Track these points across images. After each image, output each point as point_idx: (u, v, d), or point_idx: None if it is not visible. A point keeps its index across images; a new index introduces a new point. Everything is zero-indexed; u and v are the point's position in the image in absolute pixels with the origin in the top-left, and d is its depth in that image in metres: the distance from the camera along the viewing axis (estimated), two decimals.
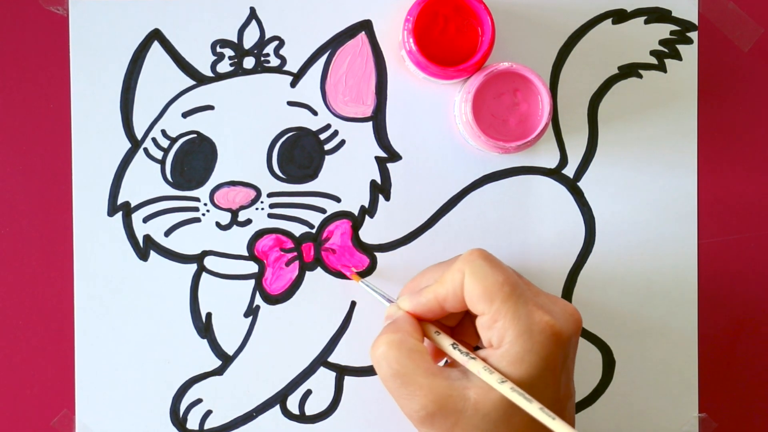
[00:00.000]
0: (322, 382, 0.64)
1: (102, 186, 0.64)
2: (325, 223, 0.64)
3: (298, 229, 0.64)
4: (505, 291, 0.53)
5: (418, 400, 0.52)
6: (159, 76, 0.64)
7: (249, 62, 0.64)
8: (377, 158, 0.64)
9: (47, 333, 0.64)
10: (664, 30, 0.65)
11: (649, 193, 0.65)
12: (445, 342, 0.55)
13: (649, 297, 0.65)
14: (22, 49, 0.64)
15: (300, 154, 0.64)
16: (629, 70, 0.65)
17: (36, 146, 0.64)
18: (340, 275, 0.64)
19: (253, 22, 0.64)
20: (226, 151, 0.64)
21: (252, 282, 0.64)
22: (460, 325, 0.58)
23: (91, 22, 0.64)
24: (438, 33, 0.61)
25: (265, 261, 0.64)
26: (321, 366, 0.64)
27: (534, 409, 0.50)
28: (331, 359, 0.64)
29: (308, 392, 0.64)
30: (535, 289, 0.56)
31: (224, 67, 0.64)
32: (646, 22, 0.65)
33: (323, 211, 0.64)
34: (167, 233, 0.64)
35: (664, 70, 0.65)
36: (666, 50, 0.65)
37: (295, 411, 0.64)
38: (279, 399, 0.64)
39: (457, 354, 0.54)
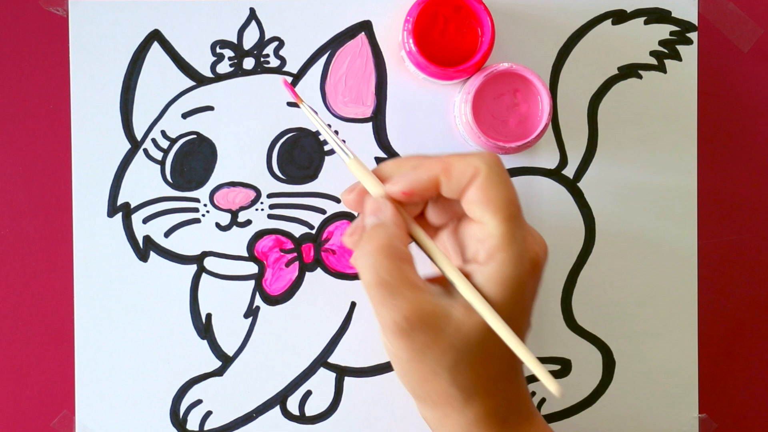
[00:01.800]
0: (322, 382, 0.64)
1: (102, 186, 0.64)
2: (325, 224, 0.64)
3: (298, 230, 0.64)
4: (511, 210, 0.51)
5: (400, 313, 0.50)
6: (159, 77, 0.64)
7: (249, 63, 0.64)
8: (377, 159, 0.64)
9: (47, 333, 0.64)
10: (664, 30, 0.65)
11: (649, 193, 0.65)
12: (439, 257, 0.53)
13: (649, 297, 0.65)
14: (22, 49, 0.64)
15: (300, 154, 0.64)
16: (629, 71, 0.65)
17: (36, 146, 0.64)
18: (340, 275, 0.64)
19: (253, 22, 0.64)
20: (226, 151, 0.64)
21: (252, 283, 0.64)
22: (422, 216, 0.56)
23: (91, 22, 0.64)
24: (438, 33, 0.61)
25: (264, 262, 0.64)
26: (321, 367, 0.64)
27: (544, 375, 0.49)
28: (331, 360, 0.64)
29: (308, 393, 0.64)
30: None
31: (224, 67, 0.64)
32: (646, 22, 0.65)
33: (323, 211, 0.64)
34: (167, 234, 0.64)
35: (664, 71, 0.65)
36: (666, 51, 0.65)
37: (295, 412, 0.64)
38: (279, 400, 0.64)
39: (449, 272, 0.52)
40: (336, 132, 0.64)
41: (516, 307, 0.52)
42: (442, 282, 0.53)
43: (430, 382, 0.52)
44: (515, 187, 0.52)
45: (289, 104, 0.64)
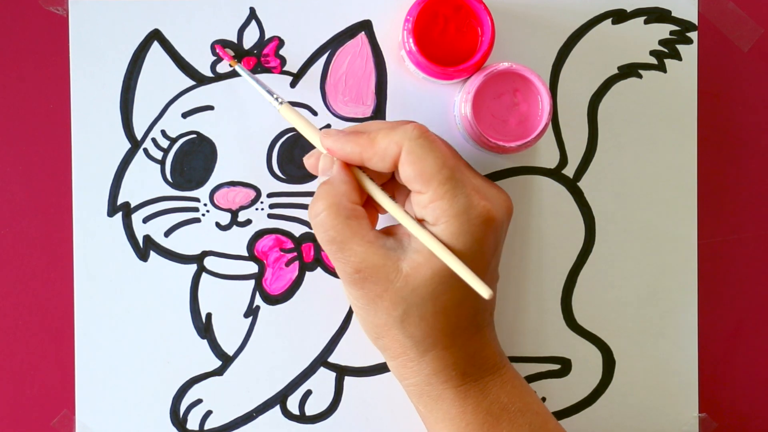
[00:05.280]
0: (322, 382, 0.64)
1: (102, 186, 0.64)
2: None
3: (298, 229, 0.64)
4: (444, 174, 0.53)
5: (351, 266, 0.54)
6: (159, 76, 0.64)
7: (249, 62, 0.64)
8: None
9: (47, 333, 0.64)
10: (664, 30, 0.65)
11: (649, 193, 0.65)
12: (387, 203, 0.55)
13: (649, 297, 0.65)
14: (22, 49, 0.64)
15: (300, 154, 0.64)
16: (629, 70, 0.65)
17: (36, 146, 0.64)
18: None
19: (253, 22, 0.64)
20: (226, 151, 0.64)
21: (252, 282, 0.64)
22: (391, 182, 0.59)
23: (91, 22, 0.64)
24: (438, 33, 0.61)
25: (265, 261, 0.64)
26: (321, 366, 0.64)
27: (473, 279, 0.52)
28: (331, 359, 0.64)
29: (308, 392, 0.64)
30: (472, 171, 0.57)
31: (224, 67, 0.64)
32: (646, 22, 0.65)
33: None
34: (167, 233, 0.64)
35: (664, 70, 0.65)
36: (666, 50, 0.65)
37: (295, 411, 0.64)
38: (279, 399, 0.64)
39: (397, 214, 0.55)
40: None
41: (470, 262, 0.53)
42: (396, 235, 0.56)
43: (385, 331, 0.55)
44: (447, 145, 0.55)
45: (290, 104, 0.64)
